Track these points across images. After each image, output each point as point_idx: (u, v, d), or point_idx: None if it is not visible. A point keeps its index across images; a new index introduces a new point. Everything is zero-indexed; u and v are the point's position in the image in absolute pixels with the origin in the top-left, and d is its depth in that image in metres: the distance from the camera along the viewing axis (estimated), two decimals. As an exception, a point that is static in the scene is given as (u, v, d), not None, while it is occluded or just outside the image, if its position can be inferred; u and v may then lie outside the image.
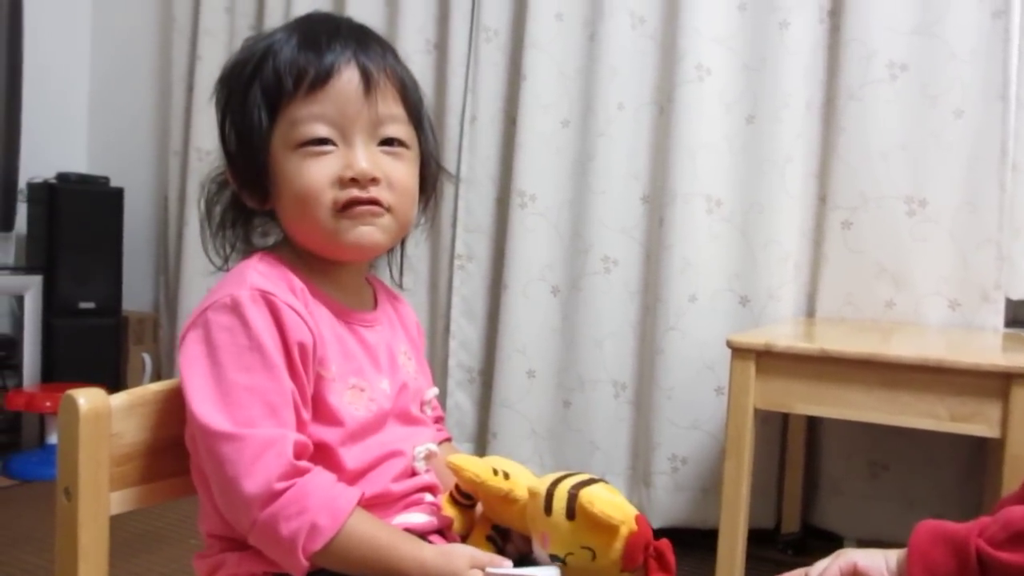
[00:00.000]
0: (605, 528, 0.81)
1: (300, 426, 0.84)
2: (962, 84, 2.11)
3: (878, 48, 2.16)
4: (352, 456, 0.88)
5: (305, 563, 0.79)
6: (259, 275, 0.87)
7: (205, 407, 0.81)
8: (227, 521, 0.85)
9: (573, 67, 2.51)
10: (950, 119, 2.12)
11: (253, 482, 0.79)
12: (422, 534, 0.91)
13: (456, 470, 0.91)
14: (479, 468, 0.90)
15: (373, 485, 0.89)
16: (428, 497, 0.95)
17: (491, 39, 2.63)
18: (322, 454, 0.86)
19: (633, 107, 2.45)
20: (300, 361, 0.84)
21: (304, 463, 0.81)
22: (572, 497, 0.83)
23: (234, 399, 0.81)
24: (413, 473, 0.94)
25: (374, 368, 0.93)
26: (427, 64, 2.75)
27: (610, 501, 0.83)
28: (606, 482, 0.87)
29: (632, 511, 0.83)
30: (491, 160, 2.66)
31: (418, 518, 0.92)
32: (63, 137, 3.54)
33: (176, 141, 3.30)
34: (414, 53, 2.74)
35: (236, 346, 0.82)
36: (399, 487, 0.91)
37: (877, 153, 2.18)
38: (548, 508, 0.84)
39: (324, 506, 0.79)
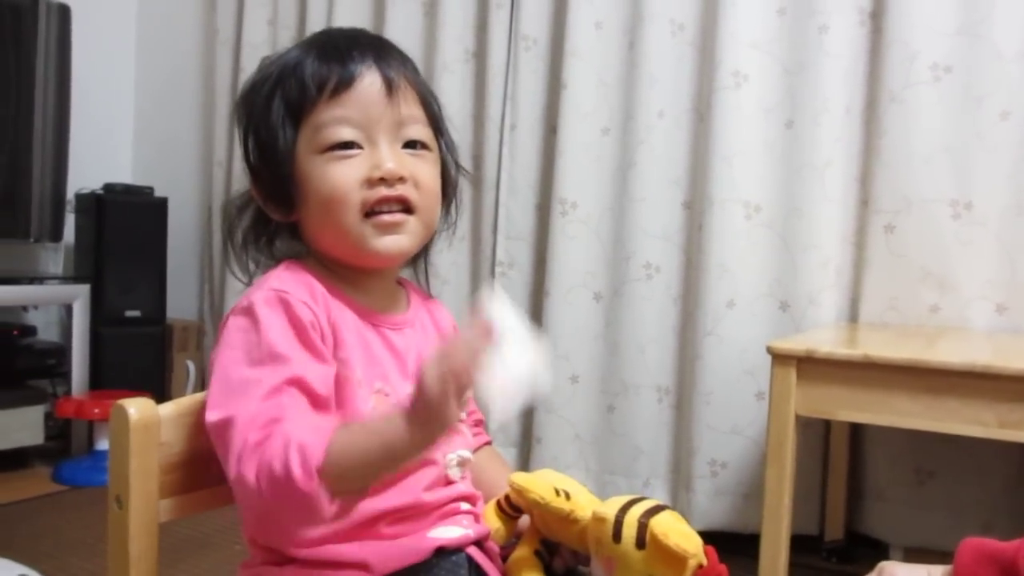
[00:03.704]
0: (677, 560, 0.81)
1: (315, 405, 0.81)
2: (1008, 85, 2.08)
3: (921, 49, 2.14)
4: None
5: (312, 484, 0.73)
6: (278, 280, 0.88)
7: (209, 410, 0.81)
8: (264, 530, 0.86)
9: (613, 75, 2.51)
10: (996, 120, 2.09)
11: (235, 455, 0.76)
12: (459, 547, 0.90)
13: (520, 491, 0.92)
14: (543, 489, 0.90)
15: (405, 495, 0.88)
16: (464, 506, 0.94)
17: (530, 48, 2.64)
18: None
19: (673, 114, 2.44)
20: (321, 342, 0.84)
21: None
22: (642, 526, 0.83)
23: (234, 392, 0.80)
24: (448, 482, 0.93)
25: (400, 373, 0.92)
26: (466, 73, 2.77)
27: (684, 533, 0.82)
28: (672, 508, 0.87)
29: (700, 542, 0.83)
30: (531, 168, 2.67)
31: (454, 532, 0.91)
32: (109, 149, 3.60)
33: (220, 152, 3.35)
34: (453, 62, 2.76)
35: (247, 343, 0.83)
36: (432, 496, 0.90)
37: (920, 156, 2.15)
38: (617, 536, 0.84)
39: (307, 428, 0.76)
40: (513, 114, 2.67)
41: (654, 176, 2.44)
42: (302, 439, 0.75)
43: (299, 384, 0.80)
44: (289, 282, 0.88)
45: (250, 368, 0.81)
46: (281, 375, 0.80)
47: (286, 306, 0.85)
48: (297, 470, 0.73)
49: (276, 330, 0.83)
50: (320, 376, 0.83)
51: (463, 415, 0.96)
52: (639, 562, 0.83)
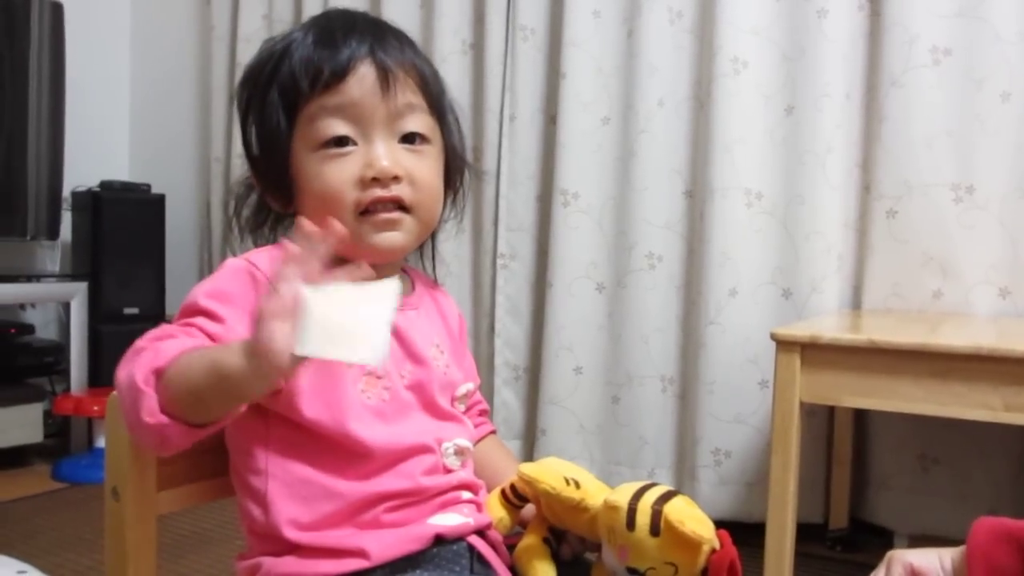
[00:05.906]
0: (692, 546, 0.81)
1: None
2: (1008, 67, 2.06)
3: (920, 32, 2.12)
4: (375, 435, 0.85)
5: (146, 383, 0.75)
6: (264, 253, 0.87)
7: None
8: (262, 519, 0.84)
9: (612, 64, 2.50)
10: (996, 103, 2.08)
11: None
12: (460, 535, 0.89)
13: (530, 482, 0.91)
14: (553, 479, 0.90)
15: (403, 479, 0.87)
16: (465, 495, 0.93)
17: (528, 38, 2.62)
18: (342, 441, 0.84)
19: (673, 102, 2.43)
20: None
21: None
22: (656, 513, 0.82)
23: (153, 333, 0.81)
24: (446, 471, 0.91)
25: (402, 352, 0.91)
26: (464, 65, 2.75)
27: (699, 519, 0.83)
28: (682, 493, 0.86)
29: (713, 527, 0.83)
30: (531, 159, 2.65)
31: (454, 519, 0.89)
32: (105, 146, 3.59)
33: (218, 147, 3.33)
34: (451, 54, 2.74)
35: (192, 296, 0.84)
36: (431, 482, 0.88)
37: (921, 140, 2.14)
38: (631, 523, 0.83)
39: (178, 342, 0.78)
40: (512, 105, 2.65)
41: (655, 165, 2.43)
42: (164, 347, 0.77)
43: (215, 340, 0.80)
44: (272, 259, 0.86)
45: (180, 319, 0.83)
46: (205, 326, 0.81)
47: (251, 279, 0.84)
48: (142, 367, 0.76)
49: (222, 292, 0.83)
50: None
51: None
52: (653, 549, 0.83)
